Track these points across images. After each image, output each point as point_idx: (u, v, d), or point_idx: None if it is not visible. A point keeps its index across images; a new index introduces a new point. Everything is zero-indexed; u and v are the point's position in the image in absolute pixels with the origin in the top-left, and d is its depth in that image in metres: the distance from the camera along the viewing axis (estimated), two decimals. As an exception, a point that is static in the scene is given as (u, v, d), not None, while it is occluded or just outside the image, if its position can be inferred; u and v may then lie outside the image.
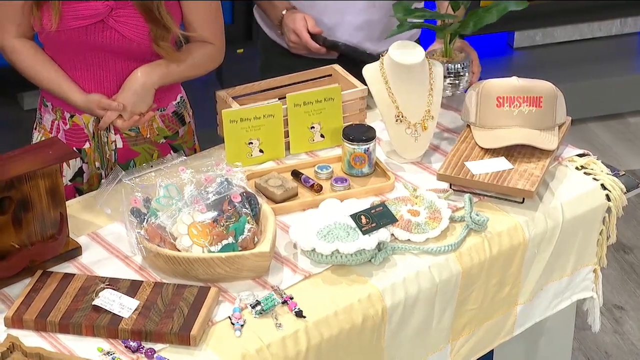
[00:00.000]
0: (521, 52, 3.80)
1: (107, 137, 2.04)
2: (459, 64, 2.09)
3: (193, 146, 2.17)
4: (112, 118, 1.97)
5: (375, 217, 1.78)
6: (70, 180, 2.05)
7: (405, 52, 1.98)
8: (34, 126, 2.11)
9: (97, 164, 2.06)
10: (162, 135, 2.08)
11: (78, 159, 2.03)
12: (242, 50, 3.50)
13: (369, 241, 1.74)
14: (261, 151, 2.03)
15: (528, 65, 3.72)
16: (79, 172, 2.06)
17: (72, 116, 2.03)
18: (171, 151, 2.10)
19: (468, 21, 2.02)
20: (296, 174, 1.97)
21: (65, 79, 1.97)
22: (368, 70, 2.01)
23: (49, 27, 1.91)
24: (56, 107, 2.03)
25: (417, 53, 1.98)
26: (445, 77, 2.08)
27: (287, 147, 2.05)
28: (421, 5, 2.20)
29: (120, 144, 2.05)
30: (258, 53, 2.51)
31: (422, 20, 2.04)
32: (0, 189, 1.67)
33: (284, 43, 2.32)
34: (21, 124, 3.60)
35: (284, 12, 2.27)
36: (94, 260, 1.76)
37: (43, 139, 2.06)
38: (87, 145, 2.05)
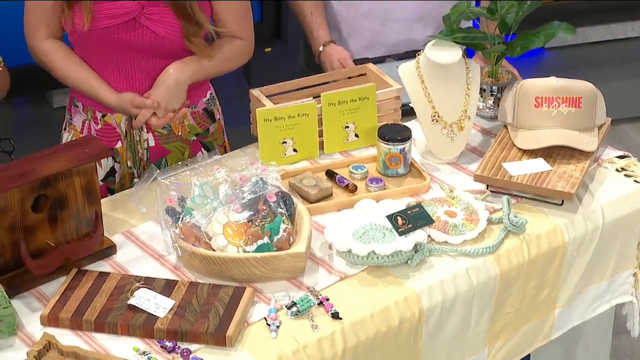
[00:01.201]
0: (553, 52, 3.76)
1: (140, 136, 2.03)
2: (506, 86, 2.06)
3: (223, 143, 2.16)
4: (147, 116, 1.96)
5: (412, 218, 1.76)
6: (102, 180, 2.04)
7: (441, 51, 1.95)
8: (64, 127, 2.10)
9: (129, 163, 2.05)
10: (194, 133, 2.08)
11: (110, 158, 2.03)
12: (270, 49, 3.50)
13: (406, 242, 1.72)
14: (295, 150, 2.01)
15: (560, 65, 3.68)
16: (111, 172, 2.06)
17: (104, 116, 2.02)
18: (202, 149, 2.09)
19: (515, 44, 1.99)
20: (330, 174, 1.96)
21: (96, 79, 1.97)
22: (404, 69, 1.99)
23: (80, 26, 1.90)
24: (87, 107, 2.03)
25: (454, 52, 1.95)
26: (489, 96, 2.06)
27: (321, 147, 2.04)
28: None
29: (152, 143, 2.04)
30: (299, 52, 2.50)
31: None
32: (36, 187, 1.67)
33: None
34: (50, 122, 3.61)
35: (320, 49, 2.30)
36: (129, 259, 1.76)
37: (73, 139, 2.06)
38: (119, 145, 2.04)
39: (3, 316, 1.56)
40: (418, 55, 1.99)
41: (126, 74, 1.98)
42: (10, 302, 1.57)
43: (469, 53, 2.04)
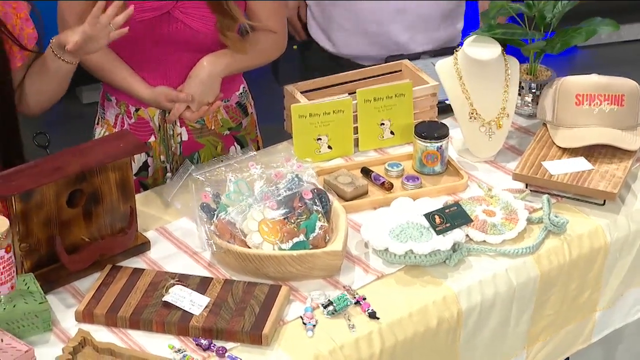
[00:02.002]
0: (586, 50, 3.71)
1: (173, 130, 2.02)
2: (544, 83, 2.02)
3: (256, 138, 2.14)
4: (181, 110, 1.95)
5: (450, 217, 1.73)
6: (135, 175, 2.03)
7: (480, 47, 1.92)
8: (96, 121, 2.09)
9: (162, 158, 2.04)
10: (226, 127, 2.06)
11: (143, 152, 2.01)
12: (296, 46, 3.48)
13: (444, 242, 1.69)
14: (330, 147, 1.99)
15: (593, 64, 3.63)
16: (144, 166, 2.05)
17: (137, 110, 2.01)
18: (234, 143, 2.08)
19: (555, 40, 1.95)
20: (366, 172, 1.93)
21: (130, 73, 1.96)
22: (441, 66, 1.96)
23: None
24: (121, 101, 2.01)
25: (493, 48, 1.92)
26: (528, 93, 2.03)
27: (355, 144, 2.01)
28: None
29: (185, 137, 2.03)
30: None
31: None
32: (72, 182, 1.65)
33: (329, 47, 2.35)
34: (81, 117, 3.62)
35: None
36: (163, 255, 1.74)
37: (106, 133, 2.05)
38: (152, 139, 2.03)
39: (38, 312, 1.54)
40: (456, 51, 1.96)
41: (159, 68, 1.96)
42: (45, 298, 1.56)
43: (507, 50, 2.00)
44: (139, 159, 2.03)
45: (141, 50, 1.95)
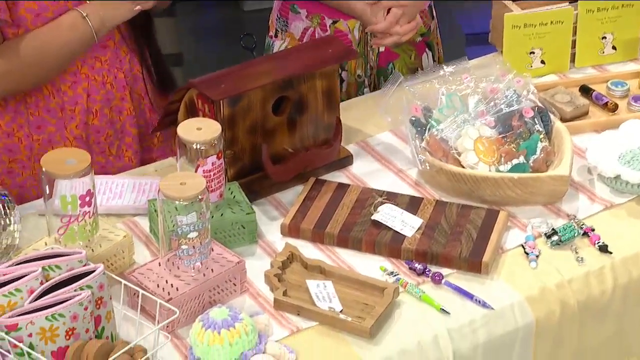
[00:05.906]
0: None
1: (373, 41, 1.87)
2: None
3: (437, 40, 1.98)
4: (393, 23, 1.79)
5: (690, 145, 1.53)
6: None
7: None
8: (273, 33, 1.93)
9: (359, 72, 1.90)
10: (419, 33, 1.91)
11: (353, 59, 1.87)
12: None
13: (687, 172, 1.50)
14: (542, 62, 1.81)
15: None
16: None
17: (334, 22, 1.86)
18: (426, 49, 1.93)
19: None
20: (586, 90, 1.74)
21: None
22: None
23: None
24: (313, 14, 1.86)
25: None
26: None
27: (571, 59, 1.82)
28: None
29: (382, 47, 1.88)
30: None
31: None
32: (278, 88, 1.55)
33: None
34: (241, 25, 3.54)
35: None
36: (365, 171, 1.63)
37: (288, 47, 1.91)
38: None
39: (245, 222, 1.47)
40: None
41: None
42: (252, 209, 1.49)
43: None
44: None
45: None
